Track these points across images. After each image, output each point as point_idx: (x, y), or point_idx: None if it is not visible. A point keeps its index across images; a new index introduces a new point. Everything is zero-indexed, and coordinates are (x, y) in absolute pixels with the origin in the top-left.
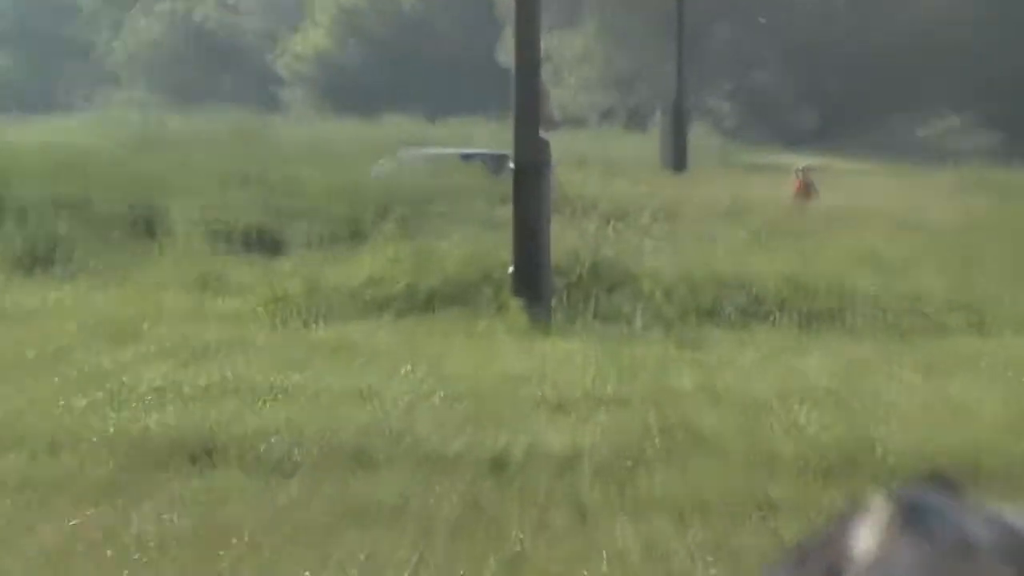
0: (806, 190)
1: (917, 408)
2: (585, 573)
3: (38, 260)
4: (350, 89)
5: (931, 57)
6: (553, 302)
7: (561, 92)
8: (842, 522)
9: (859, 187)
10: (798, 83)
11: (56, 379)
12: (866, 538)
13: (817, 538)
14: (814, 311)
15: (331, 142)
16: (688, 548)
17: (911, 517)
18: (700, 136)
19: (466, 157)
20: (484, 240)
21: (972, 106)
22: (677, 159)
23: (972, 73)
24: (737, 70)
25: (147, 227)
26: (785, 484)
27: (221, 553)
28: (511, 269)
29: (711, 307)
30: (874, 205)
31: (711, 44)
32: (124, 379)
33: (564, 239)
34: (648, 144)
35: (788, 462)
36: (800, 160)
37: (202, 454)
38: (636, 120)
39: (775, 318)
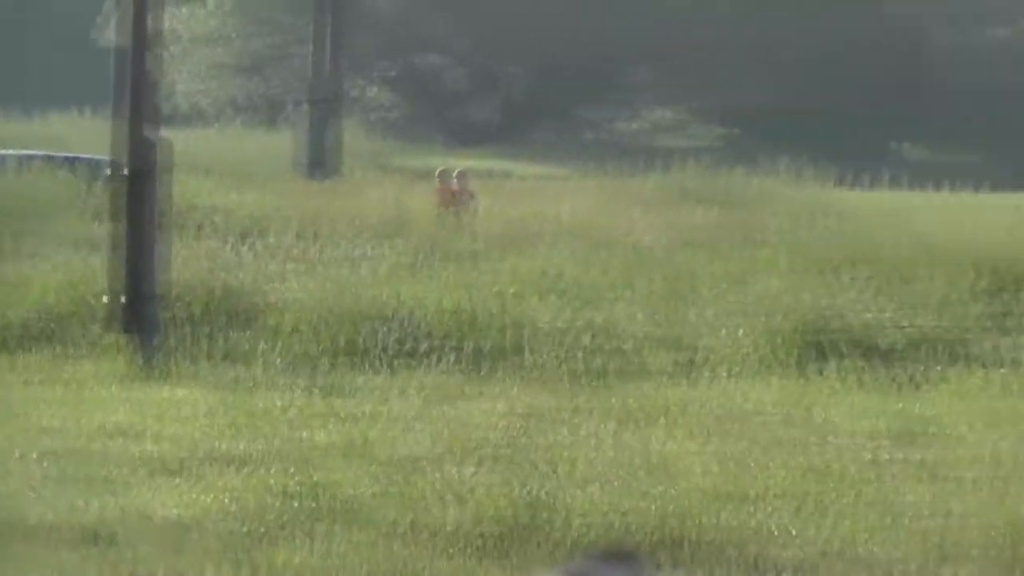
0: (459, 199)
1: (608, 466)
2: None
3: None
4: None
5: (637, 41)
6: (164, 340)
7: (183, 80)
8: None
9: (546, 196)
10: (477, 69)
11: None
12: None
13: None
14: (485, 350)
15: None
16: None
17: None
18: (352, 133)
19: (57, 160)
20: (79, 265)
21: (688, 98)
22: (323, 163)
23: (688, 60)
24: (401, 52)
25: None
26: (444, 559)
27: None
28: (114, 299)
29: (358, 346)
30: (564, 219)
31: (368, 20)
32: None
33: (179, 263)
34: (289, 144)
35: (448, 532)
36: (455, 162)
37: None
38: (277, 115)
39: (436, 358)
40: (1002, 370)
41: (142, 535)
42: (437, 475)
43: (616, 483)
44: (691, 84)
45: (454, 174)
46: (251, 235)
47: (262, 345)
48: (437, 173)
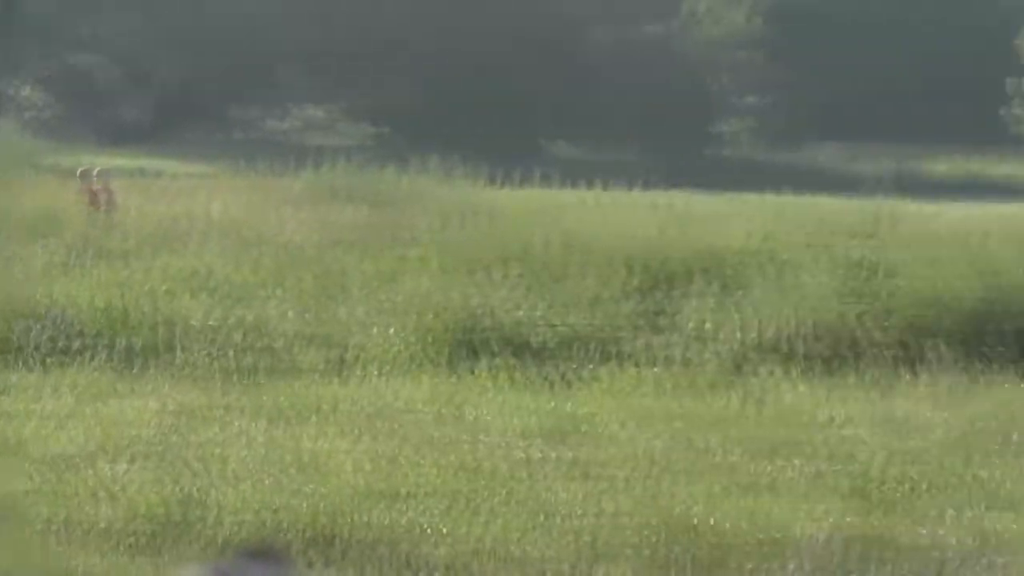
0: (99, 199)
1: (260, 464)
2: None
3: None
4: None
5: (289, 40)
6: None
7: None
8: None
9: (197, 195)
10: (130, 68)
11: None
12: None
13: None
14: (137, 348)
15: None
16: None
17: None
18: (5, 133)
19: None
20: None
21: (339, 96)
22: None
23: (339, 58)
24: (55, 51)
25: None
26: (97, 556)
27: None
28: None
29: (11, 344)
30: (214, 217)
31: (23, 20)
32: None
33: None
34: None
35: (101, 529)
36: (106, 161)
37: None
38: None
39: (89, 356)
40: (654, 368)
41: None
42: (90, 472)
43: (267, 481)
44: (342, 82)
45: (95, 173)
46: None
47: None
48: (79, 173)
